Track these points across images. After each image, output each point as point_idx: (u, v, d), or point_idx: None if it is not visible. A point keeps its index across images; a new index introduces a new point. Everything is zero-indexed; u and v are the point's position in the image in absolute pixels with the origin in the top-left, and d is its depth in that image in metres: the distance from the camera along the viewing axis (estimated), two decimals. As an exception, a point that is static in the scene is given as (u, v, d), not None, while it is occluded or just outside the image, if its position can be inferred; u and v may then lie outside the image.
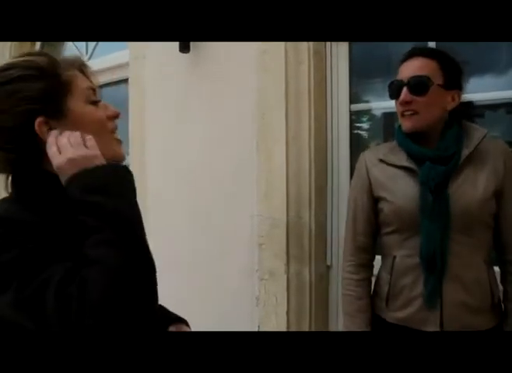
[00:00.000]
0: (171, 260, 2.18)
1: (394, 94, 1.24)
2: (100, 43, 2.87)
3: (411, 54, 1.24)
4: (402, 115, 1.23)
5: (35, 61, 0.77)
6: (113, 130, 0.84)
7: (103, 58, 2.75)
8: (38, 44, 3.29)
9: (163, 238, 2.27)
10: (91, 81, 0.84)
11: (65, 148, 0.72)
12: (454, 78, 1.23)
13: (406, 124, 1.22)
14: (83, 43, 2.97)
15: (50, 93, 0.76)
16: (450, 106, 1.23)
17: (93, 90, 0.83)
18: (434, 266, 1.17)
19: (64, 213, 0.73)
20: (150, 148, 2.26)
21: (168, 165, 2.25)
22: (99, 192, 0.69)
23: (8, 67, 0.77)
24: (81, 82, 0.81)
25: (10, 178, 0.80)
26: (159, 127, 2.26)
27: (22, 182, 0.78)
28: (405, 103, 1.20)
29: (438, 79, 1.20)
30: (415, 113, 1.20)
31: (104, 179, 0.71)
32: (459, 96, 1.24)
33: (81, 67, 0.83)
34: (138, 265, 0.66)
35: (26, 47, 3.27)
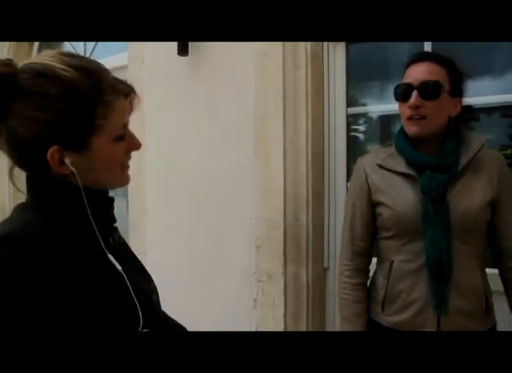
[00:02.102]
0: (169, 262, 2.19)
1: (401, 97, 1.22)
2: (99, 45, 2.87)
3: (419, 58, 1.23)
4: (409, 119, 1.21)
5: (76, 82, 0.70)
6: (126, 161, 0.82)
7: (102, 61, 2.74)
8: (36, 44, 3.29)
9: (161, 239, 2.28)
10: (129, 112, 0.79)
11: None
12: (459, 86, 1.23)
13: (412, 128, 1.21)
14: (81, 46, 2.97)
15: (76, 127, 0.71)
16: (453, 113, 1.23)
17: (125, 125, 0.78)
18: (441, 273, 1.17)
19: (71, 222, 0.74)
20: (149, 150, 2.27)
21: (166, 168, 2.26)
22: None
23: (46, 72, 0.70)
24: (116, 119, 0.75)
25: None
26: (157, 129, 2.27)
27: (35, 190, 0.77)
28: (415, 107, 1.19)
29: (446, 86, 1.20)
30: (424, 117, 1.19)
31: None
32: (461, 104, 1.25)
33: (129, 95, 0.77)
34: None
35: (24, 47, 3.27)
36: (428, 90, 1.18)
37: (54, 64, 0.71)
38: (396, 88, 1.25)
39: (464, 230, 1.19)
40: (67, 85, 0.70)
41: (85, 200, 0.74)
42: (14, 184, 0.79)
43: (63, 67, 0.70)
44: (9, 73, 0.70)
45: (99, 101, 0.72)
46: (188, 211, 2.17)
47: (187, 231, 2.18)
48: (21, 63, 0.72)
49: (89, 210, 0.75)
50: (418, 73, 1.20)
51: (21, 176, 0.81)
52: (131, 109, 0.79)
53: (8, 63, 0.70)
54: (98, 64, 0.77)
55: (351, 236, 1.33)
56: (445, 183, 1.18)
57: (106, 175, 0.79)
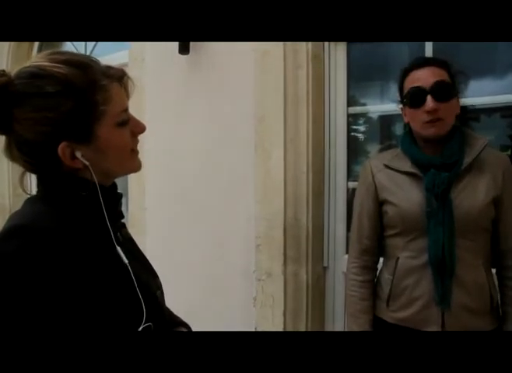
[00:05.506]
0: (168, 261, 2.19)
1: (414, 102, 1.23)
2: (99, 43, 2.87)
3: (423, 63, 1.25)
4: (427, 122, 1.21)
5: (69, 76, 0.72)
6: (135, 146, 0.83)
7: (102, 59, 2.72)
8: (36, 44, 3.29)
9: (160, 238, 2.29)
10: (127, 96, 0.80)
11: None
12: (457, 87, 1.27)
13: (431, 130, 1.22)
14: (82, 44, 2.97)
15: (79, 119, 0.73)
16: (457, 112, 1.27)
17: (126, 110, 0.80)
18: (444, 268, 1.19)
19: (83, 216, 0.76)
20: (149, 149, 2.27)
21: (166, 167, 2.26)
22: None
23: (40, 73, 0.72)
24: (115, 104, 0.76)
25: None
26: (157, 128, 2.26)
27: (46, 184, 0.78)
28: (434, 111, 1.20)
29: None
30: (441, 119, 1.21)
31: None
32: (459, 104, 1.28)
33: (122, 79, 0.79)
34: None
35: (24, 46, 3.27)
36: (442, 93, 1.20)
37: (44, 63, 0.73)
38: (407, 93, 1.24)
39: (468, 227, 1.21)
40: (61, 81, 0.72)
41: (99, 193, 0.76)
42: (24, 190, 0.80)
43: (54, 64, 0.73)
44: (5, 82, 0.72)
45: (94, 88, 0.74)
46: (188, 210, 2.18)
47: (186, 229, 2.19)
48: (13, 71, 0.75)
49: (103, 204, 0.76)
50: (426, 77, 1.21)
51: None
52: (127, 94, 0.81)
53: (1, 73, 0.73)
54: (87, 56, 0.79)
55: (358, 234, 1.37)
56: (449, 181, 1.20)
57: (118, 162, 0.80)
